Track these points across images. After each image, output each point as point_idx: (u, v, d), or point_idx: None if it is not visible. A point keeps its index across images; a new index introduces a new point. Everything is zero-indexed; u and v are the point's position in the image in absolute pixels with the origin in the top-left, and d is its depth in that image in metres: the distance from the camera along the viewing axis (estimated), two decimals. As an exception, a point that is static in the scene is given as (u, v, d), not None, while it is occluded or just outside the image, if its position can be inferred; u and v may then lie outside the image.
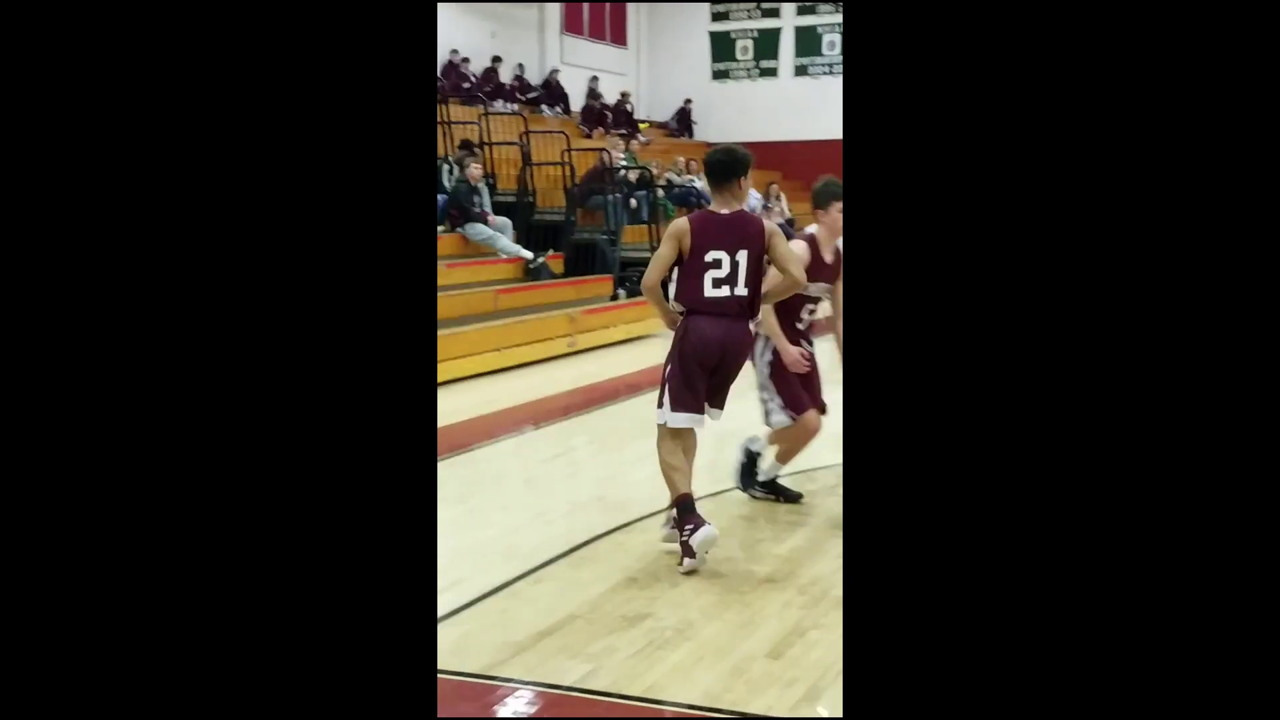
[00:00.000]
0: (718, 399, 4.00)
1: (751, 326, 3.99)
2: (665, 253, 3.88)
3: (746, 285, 3.85)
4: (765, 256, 3.87)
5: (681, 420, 3.90)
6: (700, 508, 3.93)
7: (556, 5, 18.35)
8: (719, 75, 20.44)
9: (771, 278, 3.95)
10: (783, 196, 16.12)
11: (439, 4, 16.35)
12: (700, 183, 15.40)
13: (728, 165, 3.93)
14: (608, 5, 19.72)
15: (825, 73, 19.60)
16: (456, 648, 3.22)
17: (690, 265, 3.85)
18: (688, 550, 3.82)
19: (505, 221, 10.85)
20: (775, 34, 20.00)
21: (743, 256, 3.83)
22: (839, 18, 18.91)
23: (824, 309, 4.57)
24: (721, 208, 3.92)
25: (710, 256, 3.83)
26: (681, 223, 3.91)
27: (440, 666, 3.08)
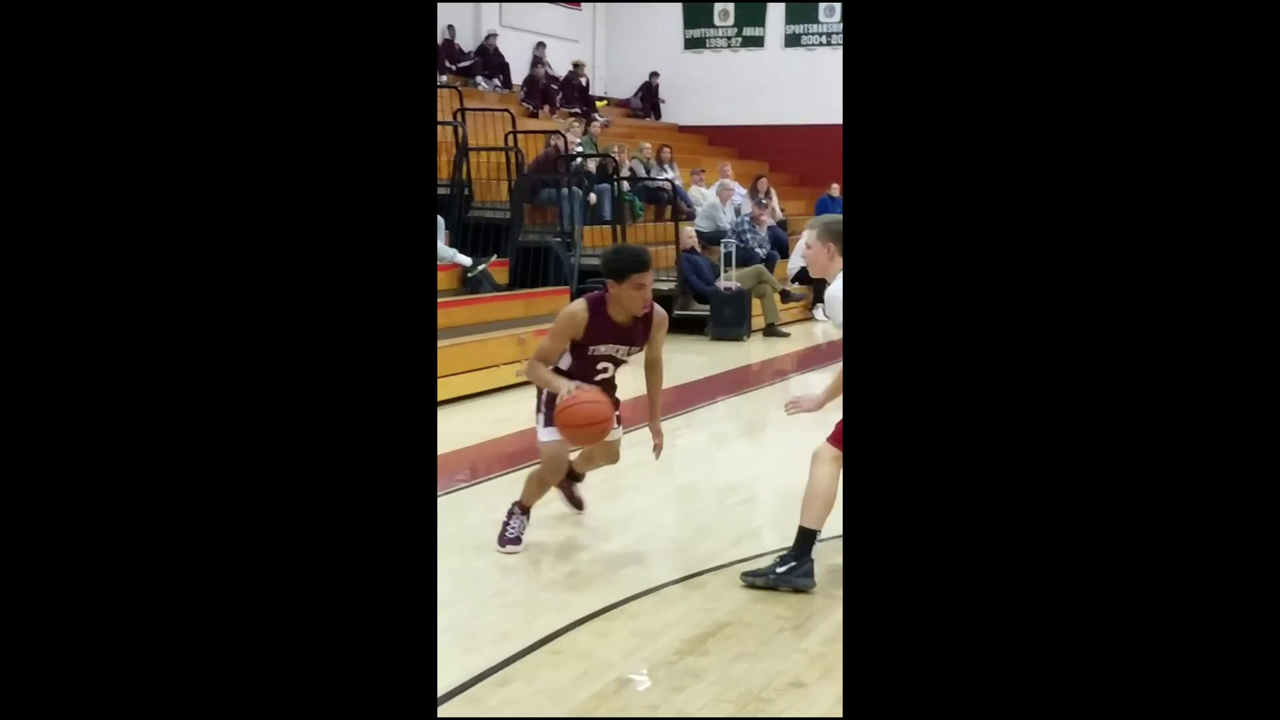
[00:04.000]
0: None
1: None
2: None
3: None
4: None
5: None
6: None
7: (496, -45, 18.28)
8: (693, 44, 20.48)
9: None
10: (773, 193, 16.11)
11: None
12: (674, 171, 15.36)
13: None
14: (558, -44, 19.71)
15: (821, 44, 19.70)
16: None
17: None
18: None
19: (437, 220, 10.70)
20: (762, -2, 20.07)
21: None
22: (839, -22, 19.05)
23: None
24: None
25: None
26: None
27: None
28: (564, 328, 4.91)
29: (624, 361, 5.06)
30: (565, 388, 4.77)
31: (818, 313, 14.51)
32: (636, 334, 4.96)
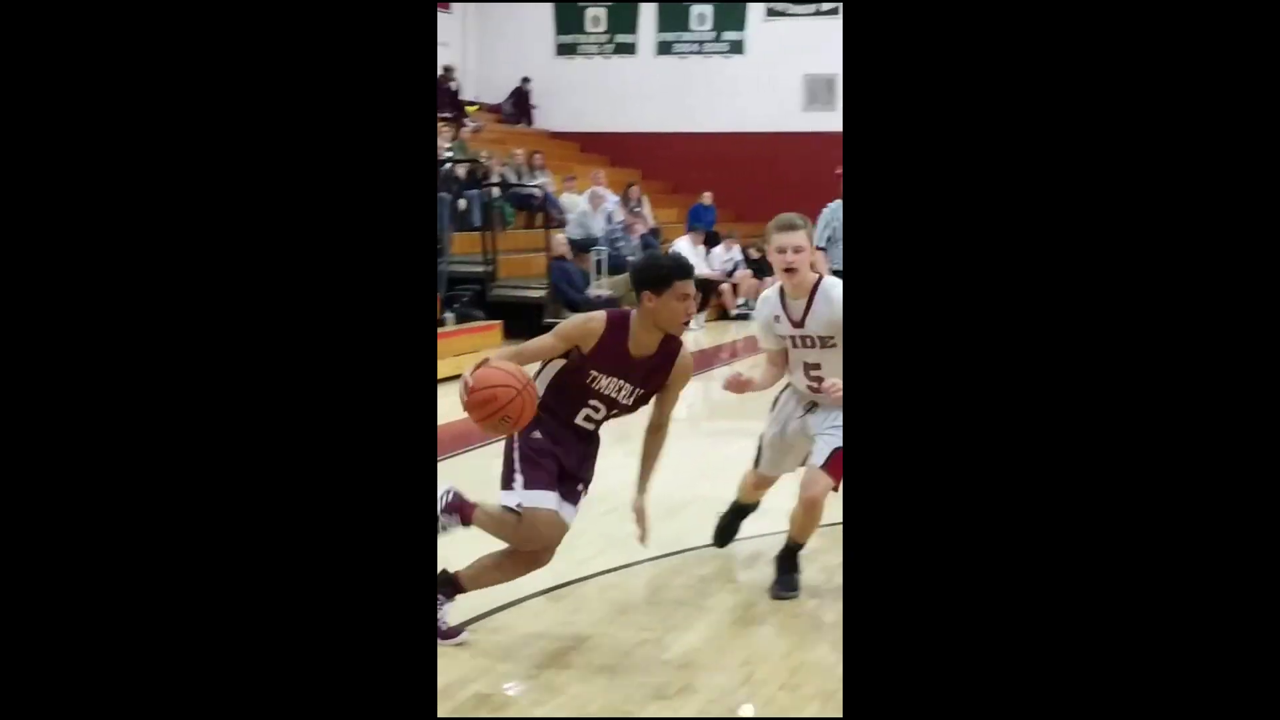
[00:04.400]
0: None
1: None
2: None
3: None
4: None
5: None
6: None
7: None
8: (564, 50, 20.44)
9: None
10: (645, 201, 16.16)
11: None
12: (546, 177, 15.32)
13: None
14: (428, -42, 19.52)
15: (694, 52, 19.83)
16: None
17: None
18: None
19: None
20: (633, 3, 20.11)
21: None
22: (710, -12, 19.19)
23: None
24: None
25: None
26: None
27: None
28: (571, 332, 4.05)
29: (624, 408, 4.16)
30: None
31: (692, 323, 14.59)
32: (651, 375, 4.11)
